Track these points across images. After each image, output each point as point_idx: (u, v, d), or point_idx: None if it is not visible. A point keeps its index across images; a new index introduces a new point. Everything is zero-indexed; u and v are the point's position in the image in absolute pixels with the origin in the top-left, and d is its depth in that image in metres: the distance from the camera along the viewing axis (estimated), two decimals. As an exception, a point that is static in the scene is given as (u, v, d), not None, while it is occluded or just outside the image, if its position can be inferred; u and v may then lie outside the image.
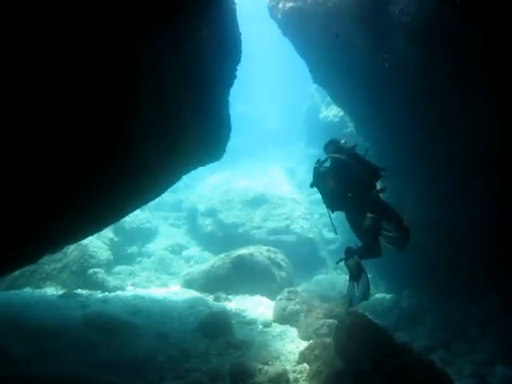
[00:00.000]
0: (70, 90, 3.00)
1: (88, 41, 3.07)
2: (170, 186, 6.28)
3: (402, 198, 9.39)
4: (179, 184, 17.97)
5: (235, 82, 6.81)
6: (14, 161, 2.94)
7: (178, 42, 4.70)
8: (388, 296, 10.02)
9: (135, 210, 5.90)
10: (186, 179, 18.07)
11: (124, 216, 5.63)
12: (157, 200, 16.77)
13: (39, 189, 3.15)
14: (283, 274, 10.03)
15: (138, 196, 4.90)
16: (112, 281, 9.67)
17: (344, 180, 5.31)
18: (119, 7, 3.32)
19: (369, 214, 5.14)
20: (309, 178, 5.87)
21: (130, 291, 9.51)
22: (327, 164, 5.60)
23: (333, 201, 5.50)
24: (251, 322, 7.91)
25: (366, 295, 5.53)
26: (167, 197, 16.95)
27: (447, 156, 7.60)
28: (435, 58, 6.55)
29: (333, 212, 5.62)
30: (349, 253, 5.49)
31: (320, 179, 5.56)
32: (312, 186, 5.71)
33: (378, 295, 10.51)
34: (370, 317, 7.36)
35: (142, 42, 3.84)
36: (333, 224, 5.84)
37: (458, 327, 7.46)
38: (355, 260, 5.43)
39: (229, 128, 6.92)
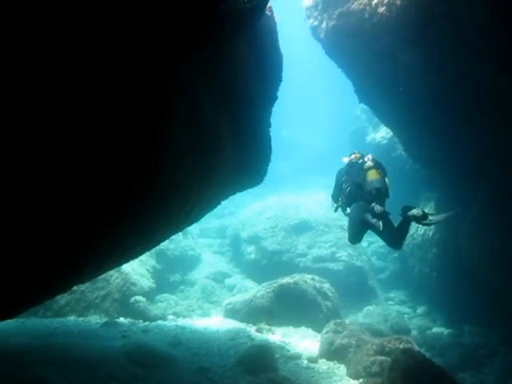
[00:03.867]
0: (102, 117, 2.86)
1: (119, 60, 2.94)
2: (208, 211, 6.04)
3: (459, 225, 8.71)
4: (223, 210, 17.99)
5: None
6: (53, 190, 2.82)
7: (215, 61, 4.54)
8: (446, 331, 9.18)
9: (169, 237, 5.69)
10: (229, 206, 18.07)
11: (157, 244, 5.42)
12: (201, 227, 16.79)
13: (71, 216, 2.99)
14: (329, 304, 9.45)
15: (172, 222, 4.69)
16: (153, 310, 9.50)
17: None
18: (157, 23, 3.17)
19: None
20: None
21: (171, 321, 9.28)
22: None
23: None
24: (296, 357, 7.40)
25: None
26: (212, 223, 16.89)
27: (509, 179, 6.94)
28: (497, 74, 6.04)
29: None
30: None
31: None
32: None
33: (435, 329, 9.69)
34: (427, 355, 6.68)
35: (176, 59, 3.69)
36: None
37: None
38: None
39: (269, 150, 6.65)
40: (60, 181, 2.83)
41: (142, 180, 3.59)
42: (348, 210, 6.28)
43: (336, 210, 6.68)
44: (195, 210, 5.01)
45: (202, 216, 5.86)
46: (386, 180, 6.01)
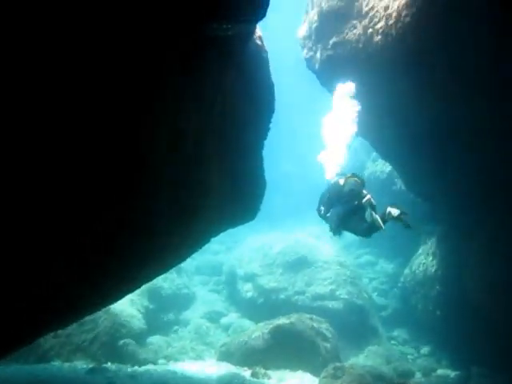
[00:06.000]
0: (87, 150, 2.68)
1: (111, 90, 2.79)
2: (197, 249, 5.73)
3: (463, 261, 8.39)
4: (221, 246, 17.54)
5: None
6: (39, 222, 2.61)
7: (201, 93, 4.37)
8: (453, 373, 8.67)
9: (157, 275, 5.36)
10: (227, 242, 17.63)
11: (143, 284, 5.09)
12: (197, 264, 16.21)
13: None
14: (328, 345, 8.94)
15: (157, 260, 4.39)
16: (144, 353, 8.98)
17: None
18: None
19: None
20: (355, 239, 5.98)
21: (161, 365, 8.76)
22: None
23: None
24: (293, 405, 6.91)
25: None
26: (207, 260, 16.42)
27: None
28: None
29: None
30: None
31: None
32: None
33: (440, 371, 9.17)
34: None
35: (159, 92, 3.51)
36: None
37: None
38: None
39: (263, 185, 6.42)
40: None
41: (132, 214, 3.37)
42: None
43: (335, 234, 6.77)
44: (182, 247, 4.73)
45: (190, 254, 5.55)
46: (364, 191, 6.21)
